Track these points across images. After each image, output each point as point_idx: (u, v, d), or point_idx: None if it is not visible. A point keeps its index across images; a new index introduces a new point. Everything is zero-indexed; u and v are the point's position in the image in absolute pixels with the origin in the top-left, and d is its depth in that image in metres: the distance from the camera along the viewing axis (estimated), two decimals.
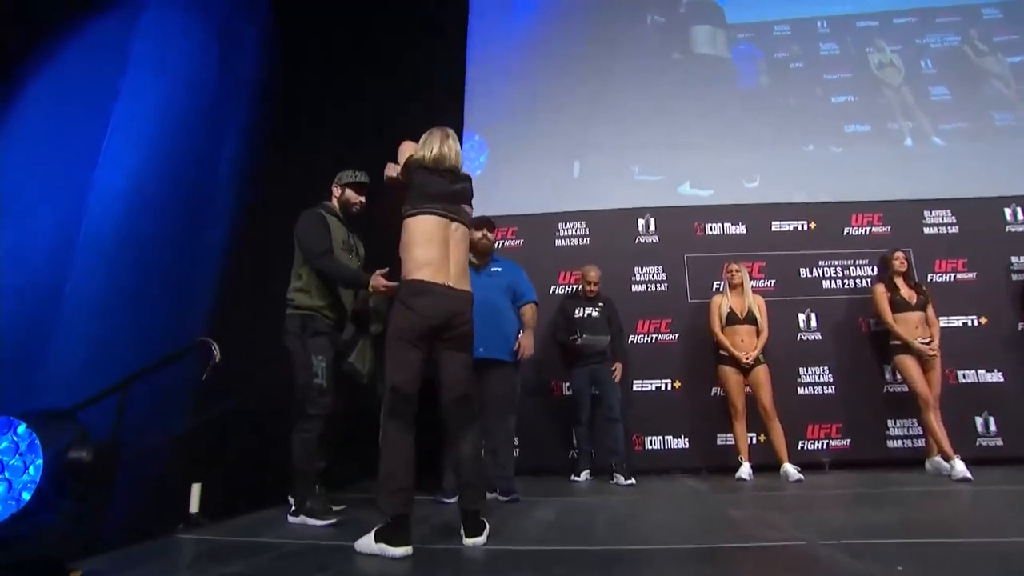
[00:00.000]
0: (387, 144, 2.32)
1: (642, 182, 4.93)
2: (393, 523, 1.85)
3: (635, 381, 4.31)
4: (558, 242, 4.73)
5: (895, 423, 4.13)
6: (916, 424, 4.00)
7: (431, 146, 2.17)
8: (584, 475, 3.86)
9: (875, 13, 5.33)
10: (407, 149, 2.22)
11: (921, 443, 3.97)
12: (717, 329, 3.97)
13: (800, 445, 4.08)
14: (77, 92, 3.58)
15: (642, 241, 4.68)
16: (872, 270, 4.40)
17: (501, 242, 4.47)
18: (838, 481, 3.57)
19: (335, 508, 2.67)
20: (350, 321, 2.80)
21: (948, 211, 4.56)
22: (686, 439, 4.22)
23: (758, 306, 3.98)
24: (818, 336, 4.37)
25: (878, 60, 5.17)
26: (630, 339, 4.33)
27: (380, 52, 5.03)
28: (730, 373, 3.87)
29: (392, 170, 2.24)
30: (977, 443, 4.00)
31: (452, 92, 5.10)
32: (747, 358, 3.81)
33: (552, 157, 5.02)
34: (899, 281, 3.91)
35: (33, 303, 2.93)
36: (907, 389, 3.81)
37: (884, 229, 4.57)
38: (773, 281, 4.48)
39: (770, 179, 4.84)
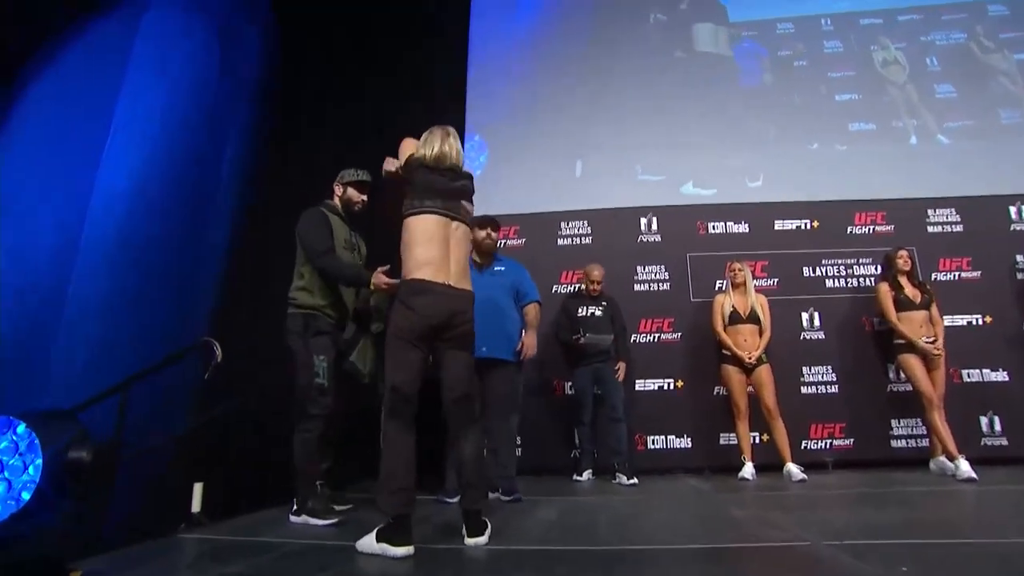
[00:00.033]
0: (387, 144, 2.31)
1: (644, 182, 4.92)
2: (394, 523, 1.84)
3: (637, 380, 4.30)
4: (560, 241, 4.72)
5: (899, 423, 4.11)
6: (920, 424, 3.98)
7: (432, 145, 2.16)
8: (586, 475, 3.85)
9: (879, 10, 5.30)
10: (408, 147, 2.21)
11: (925, 443, 3.95)
12: (720, 328, 3.95)
13: (803, 445, 4.06)
14: (79, 93, 3.60)
15: (644, 240, 4.67)
16: (875, 269, 4.37)
17: (503, 241, 4.46)
18: (841, 481, 3.56)
19: (342, 507, 2.68)
20: (351, 320, 2.80)
21: (952, 209, 4.54)
22: (689, 439, 4.21)
23: (761, 305, 3.97)
24: (821, 335, 4.35)
25: (882, 58, 5.14)
26: (632, 338, 4.32)
27: (380, 52, 5.02)
28: (733, 372, 3.85)
29: (391, 164, 2.24)
30: (982, 443, 3.98)
31: (452, 92, 5.09)
32: (750, 357, 3.80)
33: (554, 157, 5.01)
34: (903, 280, 3.89)
35: (35, 304, 2.94)
36: (911, 388, 3.79)
37: (888, 228, 4.54)
38: (776, 280, 4.47)
39: (773, 178, 4.82)
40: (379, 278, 2.45)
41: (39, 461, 1.38)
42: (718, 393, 4.20)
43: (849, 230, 4.57)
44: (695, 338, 4.34)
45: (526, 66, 5.36)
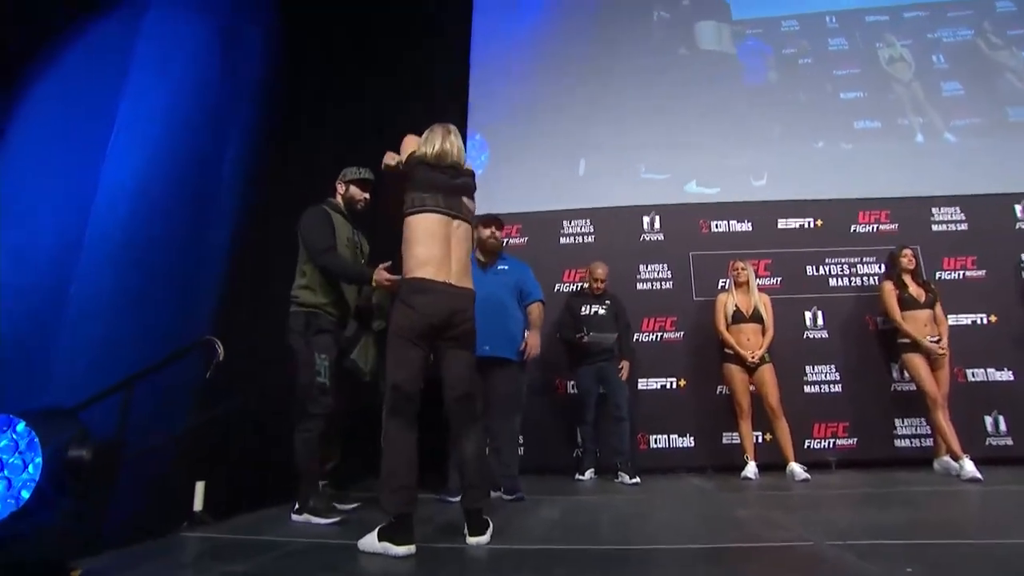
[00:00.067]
0: (387, 144, 2.31)
1: (648, 180, 4.90)
2: (396, 522, 1.84)
3: (640, 379, 4.29)
4: (563, 240, 4.71)
5: (903, 422, 4.10)
6: (924, 423, 3.96)
7: (433, 142, 2.16)
8: (589, 474, 3.85)
9: (884, 8, 5.26)
10: (410, 143, 2.21)
11: (929, 442, 3.93)
12: (722, 327, 3.94)
13: (806, 444, 4.04)
14: (82, 93, 3.60)
15: (647, 239, 4.66)
16: (879, 268, 4.35)
17: (506, 240, 4.46)
18: (845, 481, 3.55)
19: (348, 506, 2.68)
20: (353, 317, 2.80)
21: (957, 208, 4.51)
22: (691, 438, 4.20)
23: (764, 304, 3.95)
24: (825, 334, 4.33)
25: (888, 55, 5.10)
26: (635, 337, 4.31)
27: (380, 52, 5.01)
28: (735, 371, 3.84)
29: (391, 159, 2.24)
30: (987, 442, 3.96)
31: (452, 92, 5.08)
32: (753, 357, 3.79)
33: (557, 156, 4.99)
34: (907, 279, 3.87)
35: (37, 303, 2.95)
36: (915, 388, 3.78)
37: (892, 226, 4.52)
38: (779, 279, 4.45)
39: (778, 177, 4.79)
40: (380, 275, 2.45)
41: (39, 459, 1.38)
42: (721, 392, 4.19)
43: (853, 229, 4.55)
44: (698, 337, 4.33)
45: (528, 65, 5.34)
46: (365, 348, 2.81)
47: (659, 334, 4.42)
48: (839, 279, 4.45)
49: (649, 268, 4.56)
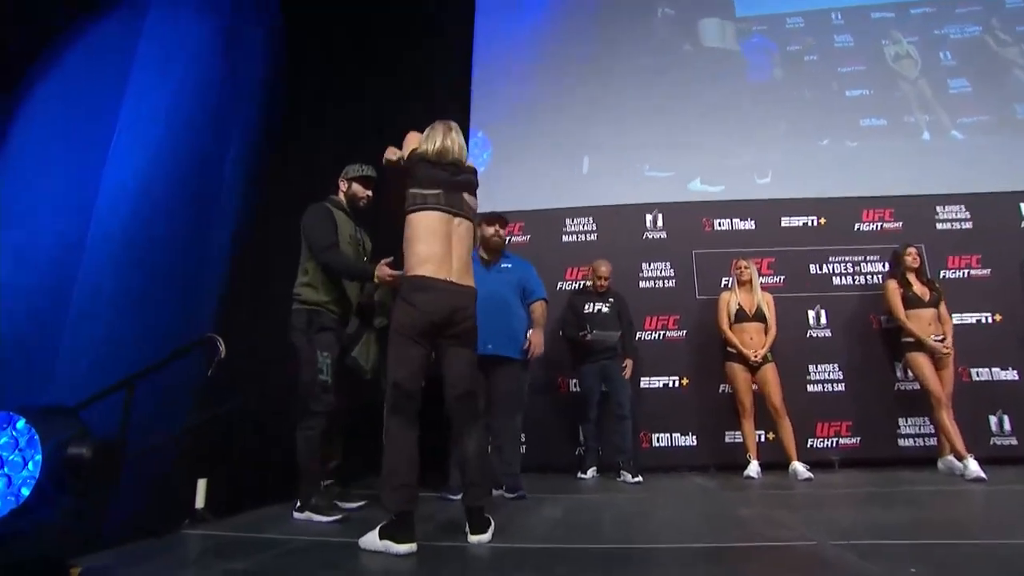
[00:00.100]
0: (387, 144, 2.31)
1: (652, 178, 4.88)
2: (397, 520, 1.84)
3: (643, 378, 4.28)
4: (565, 238, 4.70)
5: (906, 421, 4.08)
6: (928, 422, 3.94)
7: (434, 139, 2.16)
8: (591, 472, 3.84)
9: (891, 4, 5.22)
10: (412, 140, 2.21)
11: (933, 442, 3.91)
12: (725, 326, 3.93)
13: (809, 443, 4.03)
14: (83, 94, 3.61)
15: (650, 237, 4.64)
16: (883, 266, 4.33)
17: (508, 238, 4.45)
18: (848, 480, 3.53)
19: (354, 504, 2.68)
20: (355, 315, 2.80)
21: (962, 206, 4.48)
22: (694, 436, 4.19)
23: (767, 303, 3.94)
24: (828, 333, 4.31)
25: (894, 52, 5.07)
26: (637, 336, 4.30)
27: (380, 52, 5.01)
28: (738, 370, 3.83)
29: (392, 153, 2.24)
30: (991, 442, 3.94)
31: (452, 92, 5.07)
32: (756, 356, 3.77)
33: (560, 153, 4.98)
34: (911, 277, 3.85)
35: (40, 303, 2.95)
36: (919, 387, 3.76)
37: (896, 225, 4.49)
38: (782, 277, 4.43)
39: (782, 175, 4.76)
40: (382, 270, 2.46)
41: (38, 457, 1.38)
42: (723, 391, 4.17)
43: (857, 227, 4.53)
44: (700, 336, 4.32)
45: (530, 64, 5.33)
46: (367, 345, 2.80)
47: (662, 332, 4.41)
48: (842, 278, 4.43)
49: (652, 266, 4.55)
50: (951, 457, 3.52)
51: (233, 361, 2.34)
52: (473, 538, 1.97)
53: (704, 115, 4.97)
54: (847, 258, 4.45)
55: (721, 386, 4.19)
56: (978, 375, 4.10)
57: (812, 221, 4.56)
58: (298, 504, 2.50)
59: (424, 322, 1.98)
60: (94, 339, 2.85)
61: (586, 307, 3.98)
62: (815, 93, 5.01)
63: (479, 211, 2.37)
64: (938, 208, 4.49)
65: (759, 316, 3.89)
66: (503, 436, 3.07)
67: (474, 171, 2.26)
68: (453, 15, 5.38)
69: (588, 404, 3.89)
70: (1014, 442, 3.94)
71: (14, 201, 3.24)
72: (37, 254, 3.11)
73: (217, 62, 3.89)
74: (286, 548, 1.98)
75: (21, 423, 1.40)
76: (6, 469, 1.39)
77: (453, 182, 2.13)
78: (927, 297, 3.77)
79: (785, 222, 4.57)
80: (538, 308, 3.24)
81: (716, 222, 4.62)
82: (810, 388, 4.20)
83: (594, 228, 4.69)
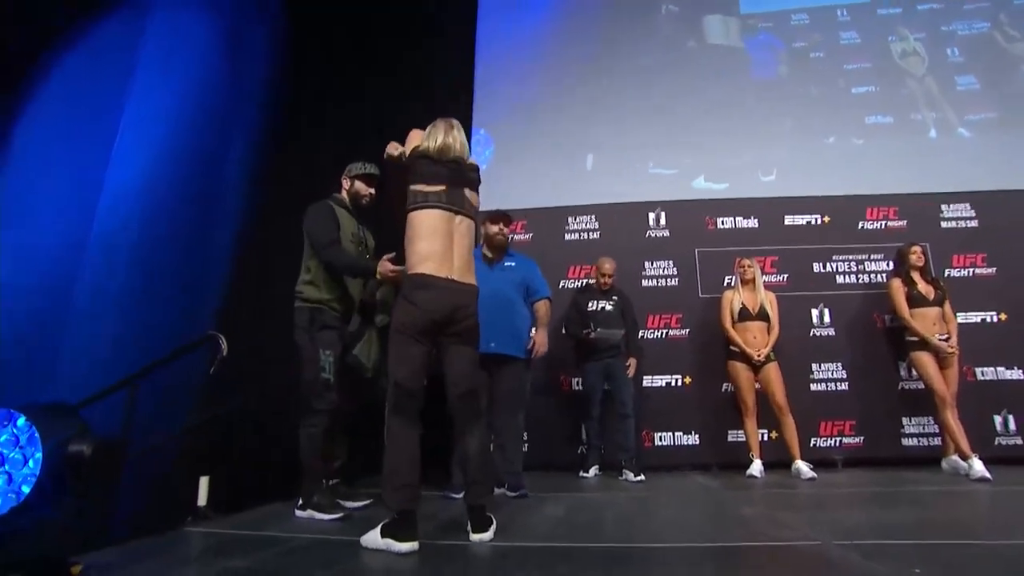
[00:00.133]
0: (388, 144, 2.30)
1: (656, 176, 4.86)
2: (399, 518, 1.84)
3: (645, 376, 4.26)
4: (568, 236, 4.69)
5: (910, 421, 4.06)
6: (932, 422, 3.93)
7: (435, 137, 2.15)
8: (593, 471, 3.84)
9: (897, 0, 5.18)
10: (415, 137, 2.21)
11: (937, 441, 3.90)
12: (728, 325, 3.91)
13: (812, 442, 4.02)
14: (87, 93, 3.61)
15: (652, 235, 4.63)
16: (887, 265, 4.31)
17: (511, 236, 4.44)
18: (851, 479, 3.52)
19: (359, 504, 2.68)
20: (357, 312, 2.80)
21: (967, 204, 4.45)
22: (696, 435, 4.18)
23: (770, 302, 3.93)
24: (831, 332, 4.30)
25: (901, 49, 5.02)
26: (640, 334, 4.28)
27: (380, 52, 5.00)
28: (741, 369, 3.81)
29: (394, 148, 2.24)
30: (996, 442, 3.92)
31: (453, 91, 5.05)
32: (759, 355, 3.76)
33: (563, 151, 4.97)
34: (916, 276, 3.83)
35: (43, 303, 2.96)
36: (923, 386, 3.74)
37: (900, 223, 4.47)
38: (786, 276, 4.41)
39: (787, 172, 4.74)
40: (384, 266, 2.46)
41: (39, 454, 1.38)
42: (726, 390, 4.16)
43: (861, 225, 4.50)
44: (703, 334, 4.30)
45: (534, 60, 5.31)
46: (368, 343, 2.80)
47: (664, 331, 4.40)
48: (846, 276, 4.41)
49: (654, 265, 4.54)
50: (956, 457, 3.51)
51: (235, 361, 2.34)
52: (475, 537, 1.97)
53: (708, 112, 4.94)
54: (851, 257, 4.43)
55: (724, 385, 4.17)
56: (983, 374, 4.07)
57: (816, 219, 4.54)
58: (300, 502, 2.51)
59: (425, 320, 1.97)
60: (96, 338, 2.85)
61: (590, 305, 3.97)
62: (821, 90, 4.98)
63: (481, 209, 2.37)
64: (943, 206, 4.46)
65: (762, 315, 3.87)
66: (505, 434, 3.07)
67: (476, 168, 2.25)
68: (453, 15, 5.36)
69: (591, 402, 3.88)
70: (1019, 442, 3.91)
71: (17, 201, 3.25)
72: (40, 254, 3.12)
73: (220, 62, 3.88)
74: (288, 546, 1.99)
75: (21, 420, 1.40)
76: (7, 467, 1.39)
77: (454, 180, 2.12)
78: (932, 296, 3.75)
79: (789, 220, 4.55)
80: (542, 307, 3.23)
81: (719, 220, 4.60)
82: (813, 387, 4.18)
83: (596, 226, 4.68)
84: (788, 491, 3.16)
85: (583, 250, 4.58)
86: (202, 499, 2.50)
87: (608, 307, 3.95)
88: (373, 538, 1.87)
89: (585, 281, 4.39)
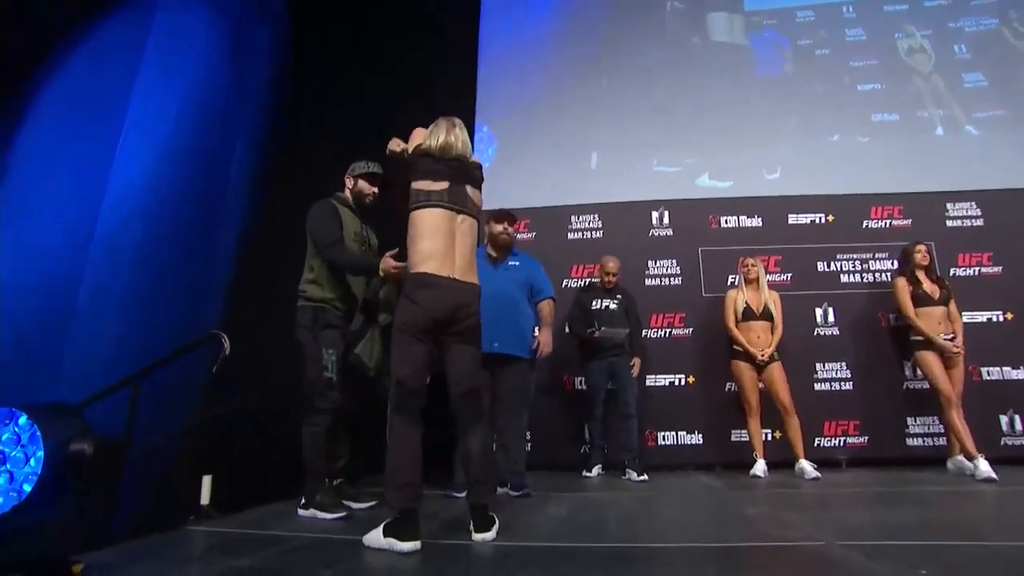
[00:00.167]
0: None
1: (659, 174, 4.85)
2: (401, 518, 1.84)
3: (648, 376, 4.25)
4: (571, 235, 4.68)
5: (915, 420, 4.04)
6: (937, 422, 3.91)
7: (437, 135, 2.15)
8: (596, 470, 3.83)
9: None
10: (418, 136, 2.20)
11: (942, 441, 3.88)
12: (732, 324, 3.90)
13: (816, 442, 4.00)
14: (92, 93, 3.62)
15: (656, 234, 4.61)
16: (892, 264, 4.28)
17: (515, 235, 4.43)
18: (855, 479, 3.51)
19: (364, 505, 2.68)
20: (360, 311, 2.80)
21: (972, 203, 4.42)
22: (700, 435, 4.16)
23: (774, 301, 3.91)
24: (835, 331, 4.28)
25: (907, 46, 4.98)
26: (643, 333, 4.27)
27: (380, 52, 5.00)
28: (744, 369, 3.80)
29: (397, 145, 2.23)
30: (1002, 442, 3.90)
31: (453, 91, 5.05)
32: (762, 355, 3.74)
33: (567, 149, 4.96)
34: (921, 275, 3.80)
35: (47, 302, 2.97)
36: (928, 386, 3.72)
37: (905, 222, 4.44)
38: (790, 275, 4.39)
39: (792, 170, 4.71)
40: (387, 263, 2.47)
41: (40, 453, 1.38)
42: (730, 389, 4.14)
43: (865, 224, 4.48)
44: (707, 334, 4.29)
45: (537, 59, 5.30)
46: (371, 342, 2.80)
47: (667, 330, 4.39)
48: (850, 275, 4.39)
49: (658, 264, 4.53)
50: (961, 457, 3.48)
51: (237, 360, 2.34)
52: (477, 536, 1.96)
53: (712, 110, 4.92)
54: (855, 256, 4.41)
55: (727, 384, 4.16)
56: (989, 374, 4.05)
57: (820, 218, 4.52)
58: (303, 501, 2.51)
59: (427, 319, 1.97)
60: (99, 338, 2.86)
61: (594, 303, 3.96)
62: (826, 88, 4.95)
63: (484, 208, 2.36)
64: (948, 205, 4.43)
65: (766, 314, 3.86)
66: (508, 434, 3.06)
67: (479, 167, 2.25)
68: (454, 14, 5.36)
69: (594, 402, 3.87)
70: None
71: (21, 201, 3.26)
72: (43, 253, 3.13)
73: (224, 62, 3.90)
74: (290, 545, 1.99)
75: (23, 419, 1.40)
76: (8, 465, 1.39)
77: (457, 177, 2.12)
78: (937, 295, 3.73)
79: (792, 219, 4.53)
80: (545, 307, 3.22)
81: (723, 219, 4.59)
82: (817, 387, 4.16)
83: (600, 225, 4.67)
84: (792, 491, 3.15)
85: (586, 249, 4.57)
86: (205, 498, 2.50)
87: (612, 306, 3.94)
88: (375, 537, 1.87)
89: (589, 280, 4.38)
